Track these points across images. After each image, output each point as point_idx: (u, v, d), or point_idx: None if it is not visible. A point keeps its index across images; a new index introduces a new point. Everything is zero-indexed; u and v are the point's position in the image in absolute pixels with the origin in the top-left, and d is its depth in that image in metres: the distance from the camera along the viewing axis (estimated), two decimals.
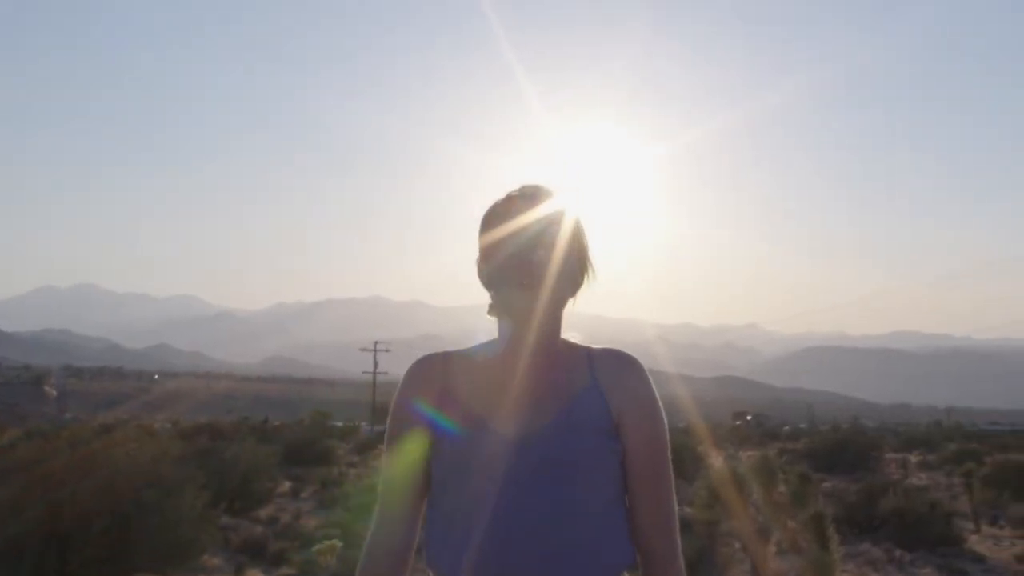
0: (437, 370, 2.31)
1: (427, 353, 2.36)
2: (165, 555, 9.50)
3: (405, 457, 2.28)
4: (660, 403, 2.28)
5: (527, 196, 2.24)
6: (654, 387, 2.28)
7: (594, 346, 2.32)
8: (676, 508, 2.30)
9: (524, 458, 2.14)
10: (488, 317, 2.28)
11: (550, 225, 2.22)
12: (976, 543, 15.48)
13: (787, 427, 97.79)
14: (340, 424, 67.03)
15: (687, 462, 26.83)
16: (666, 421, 2.30)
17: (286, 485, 21.43)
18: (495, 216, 2.23)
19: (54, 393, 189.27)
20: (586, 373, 2.26)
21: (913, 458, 39.12)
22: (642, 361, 2.29)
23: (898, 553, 13.83)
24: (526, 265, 2.17)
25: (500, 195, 2.27)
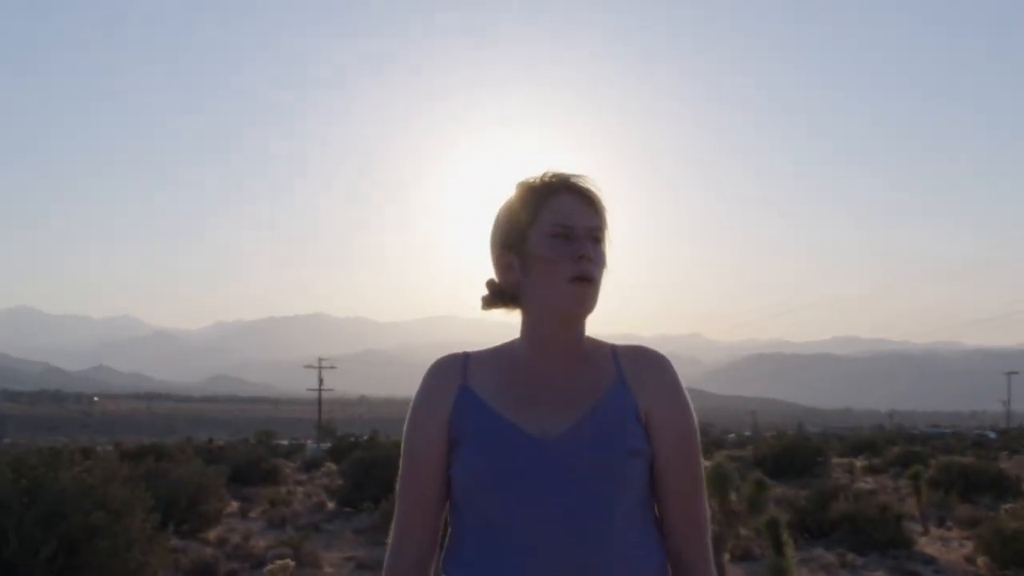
0: (457, 371, 2.19)
1: (446, 354, 2.26)
2: None
3: (425, 464, 2.17)
4: (690, 401, 2.20)
5: (580, 189, 2.14)
6: (683, 385, 2.20)
7: (618, 343, 2.24)
8: (708, 513, 2.22)
9: (553, 461, 2.03)
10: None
11: (598, 215, 2.13)
12: (926, 545, 15.65)
13: (732, 435, 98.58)
14: (286, 442, 66.75)
15: None
16: (696, 421, 2.22)
17: (234, 505, 21.16)
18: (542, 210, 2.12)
19: None
20: (612, 370, 2.16)
21: (858, 463, 39.56)
22: None
23: (850, 557, 13.92)
24: (587, 260, 2.08)
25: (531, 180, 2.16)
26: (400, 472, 2.21)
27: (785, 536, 8.33)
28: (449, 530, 2.18)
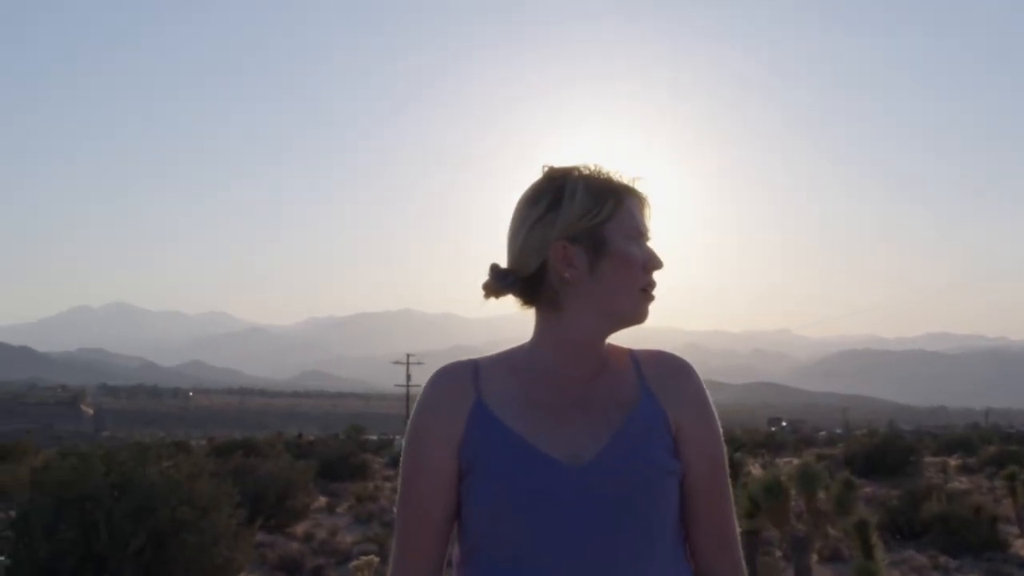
0: (468, 383, 1.90)
1: (450, 362, 1.95)
2: (202, 574, 9.44)
3: (431, 491, 1.87)
4: (715, 410, 1.98)
5: (642, 196, 1.94)
6: (708, 393, 1.97)
7: (635, 348, 2.01)
8: (738, 529, 1.98)
9: (586, 490, 1.78)
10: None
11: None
12: (1022, 548, 15.23)
13: (823, 432, 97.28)
14: (375, 438, 67.39)
15: None
16: (722, 431, 2.00)
17: (322, 500, 21.39)
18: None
19: (91, 412, 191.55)
20: (634, 379, 1.93)
21: (952, 462, 38.73)
22: None
23: (943, 559, 13.62)
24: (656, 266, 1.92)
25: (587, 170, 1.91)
26: (400, 498, 1.92)
27: (874, 538, 8.17)
28: (459, 567, 1.91)
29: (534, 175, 1.91)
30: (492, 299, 1.93)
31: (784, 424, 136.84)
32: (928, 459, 37.11)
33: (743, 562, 1.98)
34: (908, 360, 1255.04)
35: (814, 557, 11.20)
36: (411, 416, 1.91)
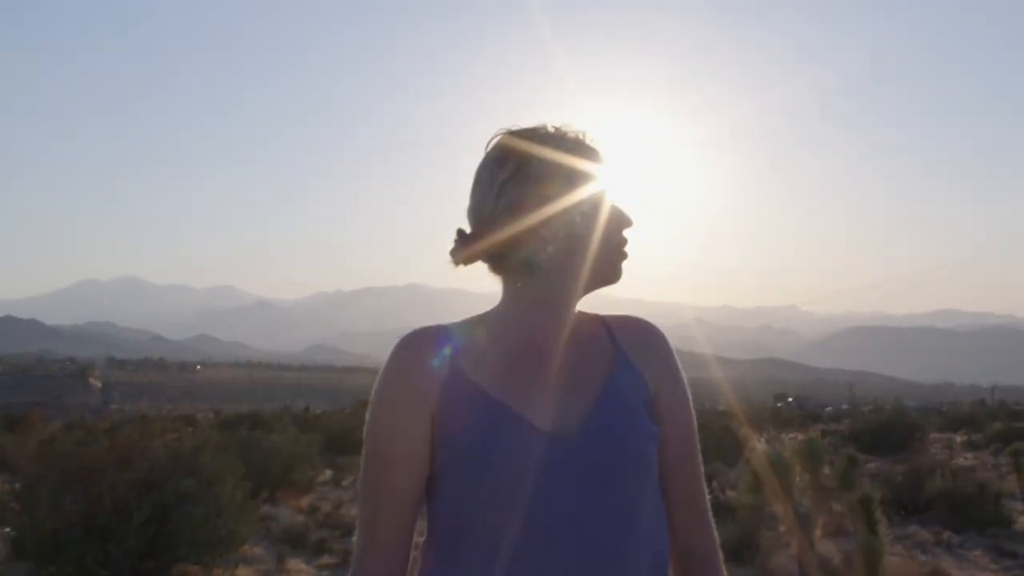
0: (440, 350, 1.75)
1: (418, 327, 1.80)
2: (206, 546, 9.47)
3: (402, 464, 1.73)
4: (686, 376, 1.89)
5: (595, 152, 1.81)
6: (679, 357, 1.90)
7: (602, 313, 1.91)
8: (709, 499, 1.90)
9: (569, 455, 1.67)
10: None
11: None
12: None
13: (829, 408, 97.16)
14: None
15: (729, 445, 26.68)
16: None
17: (327, 474, 21.42)
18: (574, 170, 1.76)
19: (98, 385, 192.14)
20: (609, 345, 1.84)
21: (958, 438, 38.64)
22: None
23: (946, 535, 13.62)
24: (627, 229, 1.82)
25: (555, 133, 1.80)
26: (366, 470, 1.78)
27: (877, 513, 8.17)
28: (429, 546, 1.80)
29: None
30: (462, 266, 1.81)
31: (790, 400, 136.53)
32: (934, 435, 37.03)
33: (717, 537, 1.90)
34: (915, 337, 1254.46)
35: (817, 532, 11.20)
36: (378, 383, 1.77)
